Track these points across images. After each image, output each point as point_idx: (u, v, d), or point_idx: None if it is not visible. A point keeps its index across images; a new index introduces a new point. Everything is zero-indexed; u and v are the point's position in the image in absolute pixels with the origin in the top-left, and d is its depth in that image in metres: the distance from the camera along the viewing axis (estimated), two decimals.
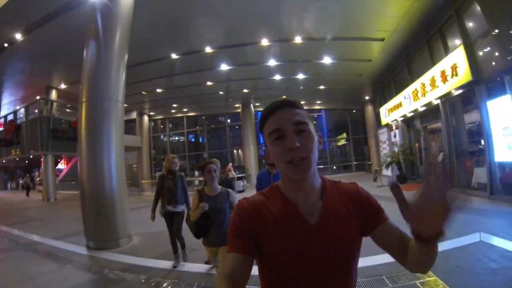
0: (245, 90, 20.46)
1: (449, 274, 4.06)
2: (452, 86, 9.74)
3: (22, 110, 24.68)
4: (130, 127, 27.47)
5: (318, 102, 25.88)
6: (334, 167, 27.22)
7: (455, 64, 9.41)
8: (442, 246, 5.09)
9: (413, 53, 13.52)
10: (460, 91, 9.85)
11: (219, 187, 3.78)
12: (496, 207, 7.74)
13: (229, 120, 30.77)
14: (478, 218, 6.65)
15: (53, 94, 21.42)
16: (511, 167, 8.31)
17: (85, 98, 7.01)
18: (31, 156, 25.77)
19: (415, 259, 1.00)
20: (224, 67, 15.71)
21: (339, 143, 30.29)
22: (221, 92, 20.99)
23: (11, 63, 15.75)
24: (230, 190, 3.84)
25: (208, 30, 11.77)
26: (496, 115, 8.36)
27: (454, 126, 11.04)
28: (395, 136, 16.73)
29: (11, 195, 27.27)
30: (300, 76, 17.61)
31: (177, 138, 33.03)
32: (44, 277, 5.06)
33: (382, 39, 12.76)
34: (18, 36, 13.04)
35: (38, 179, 31.97)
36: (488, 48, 8.80)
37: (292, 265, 1.05)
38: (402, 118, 15.29)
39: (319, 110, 27.94)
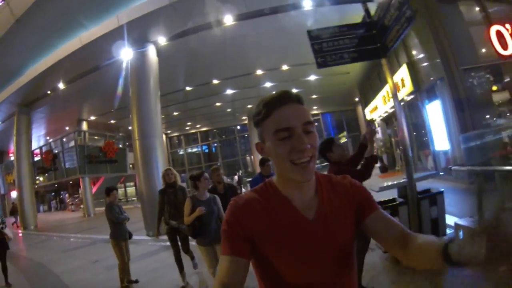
0: (249, 106, 23.75)
1: None
2: (404, 94, 12.74)
3: (53, 140, 28.52)
4: None
5: (315, 107, 28.94)
6: None
7: (402, 78, 12.44)
8: None
9: (379, 67, 16.52)
10: (411, 97, 12.86)
11: (207, 193, 4.31)
12: (435, 185, 10.61)
13: (238, 127, 34.01)
14: None
15: (84, 125, 25.14)
16: (445, 154, 11.23)
17: (137, 137, 10.36)
18: (66, 180, 29.28)
19: (420, 260, 0.95)
20: (229, 91, 19.10)
21: (341, 141, 33.03)
22: (228, 110, 24.40)
23: (49, 105, 19.32)
24: (216, 195, 4.36)
25: (214, 67, 15.08)
26: (433, 115, 11.35)
27: (414, 124, 14.02)
28: (378, 133, 19.69)
29: (55, 215, 30.34)
30: (294, 90, 20.59)
31: (191, 150, 36.54)
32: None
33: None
34: (61, 86, 16.27)
35: (68, 200, 35.64)
36: (425, 64, 11.75)
37: (291, 263, 1.01)
38: (380, 118, 18.25)
39: (316, 115, 30.88)
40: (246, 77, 16.57)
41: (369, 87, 20.08)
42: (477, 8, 10.73)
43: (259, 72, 16.24)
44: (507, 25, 10.16)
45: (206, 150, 36.54)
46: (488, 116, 9.96)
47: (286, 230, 1.02)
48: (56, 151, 28.15)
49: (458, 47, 9.85)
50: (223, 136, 35.61)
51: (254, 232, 1.02)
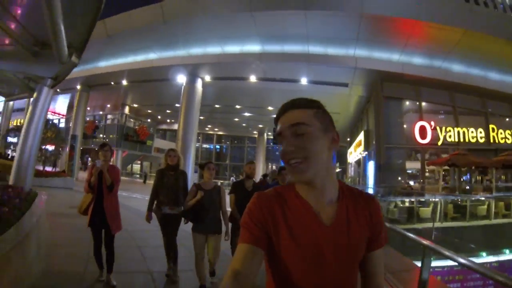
0: (260, 125, 29.92)
1: None
2: (361, 150, 18.48)
3: (96, 114, 34.86)
4: (173, 134, 37.31)
5: None
6: None
7: (360, 140, 18.21)
8: None
9: (357, 123, 22.31)
10: (365, 153, 18.56)
11: (214, 183, 4.32)
12: None
13: (249, 138, 40.16)
14: None
15: (126, 109, 31.34)
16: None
17: (181, 138, 16.34)
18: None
19: None
20: (246, 114, 25.21)
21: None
22: (243, 124, 30.55)
23: (108, 91, 25.32)
24: (221, 187, 4.40)
25: (239, 99, 21.18)
26: (369, 170, 16.99)
27: (363, 171, 19.71)
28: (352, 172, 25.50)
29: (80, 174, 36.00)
30: None
31: (206, 147, 43.23)
32: None
33: (338, 113, 21.59)
34: (124, 82, 22.22)
35: (90, 163, 41.40)
36: (371, 136, 17.39)
37: (300, 265, 1.03)
38: (355, 160, 23.97)
39: None
40: (261, 108, 22.60)
41: (353, 134, 25.80)
42: (413, 106, 16.41)
43: (270, 108, 22.27)
44: (432, 122, 15.75)
45: (218, 150, 43.11)
46: (400, 179, 15.65)
47: (301, 232, 1.04)
48: (99, 123, 34.53)
49: (388, 131, 15.54)
50: (235, 142, 41.89)
51: (271, 227, 1.05)
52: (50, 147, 21.75)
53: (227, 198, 4.56)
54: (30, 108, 6.10)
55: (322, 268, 1.03)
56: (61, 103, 32.71)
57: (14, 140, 24.51)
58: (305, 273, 1.04)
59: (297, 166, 1.02)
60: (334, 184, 1.12)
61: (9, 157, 21.37)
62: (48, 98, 6.12)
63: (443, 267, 11.01)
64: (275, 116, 1.13)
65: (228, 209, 4.51)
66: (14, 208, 4.12)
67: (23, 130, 6.12)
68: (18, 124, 29.03)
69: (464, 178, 16.17)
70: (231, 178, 32.38)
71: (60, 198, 12.72)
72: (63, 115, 36.94)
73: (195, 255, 4.19)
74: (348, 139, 31.58)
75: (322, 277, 1.03)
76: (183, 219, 4.45)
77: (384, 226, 1.17)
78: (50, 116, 38.60)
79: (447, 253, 2.58)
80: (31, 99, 6.39)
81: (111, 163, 4.47)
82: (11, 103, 32.72)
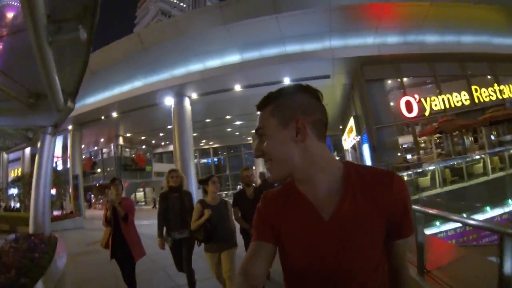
0: (252, 131, 30.12)
1: None
2: (353, 136, 18.90)
3: (93, 150, 35.03)
4: (169, 156, 37.54)
5: None
6: None
7: (351, 125, 18.63)
8: None
9: (346, 110, 22.79)
10: (358, 137, 18.98)
11: (218, 198, 4.11)
12: None
13: (244, 145, 40.70)
14: None
15: (120, 140, 31.54)
16: None
17: (179, 159, 16.66)
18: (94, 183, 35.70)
19: None
20: (237, 122, 25.62)
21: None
22: (237, 133, 30.96)
23: (98, 125, 25.28)
24: (227, 201, 4.19)
25: (227, 109, 21.60)
26: (365, 152, 17.42)
27: (359, 155, 20.11)
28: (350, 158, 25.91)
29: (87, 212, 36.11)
30: None
31: (204, 161, 43.58)
32: None
33: (326, 104, 21.81)
34: (114, 115, 22.33)
35: (93, 200, 41.66)
36: (361, 120, 17.78)
37: (302, 259, 1.02)
38: (350, 145, 24.42)
39: None
40: (251, 115, 22.94)
41: (344, 121, 26.23)
42: (396, 83, 16.83)
43: (259, 113, 22.56)
44: (416, 95, 16.14)
45: (216, 162, 43.52)
46: (399, 154, 16.04)
47: (299, 227, 1.02)
48: (95, 159, 34.72)
49: (376, 112, 15.92)
50: (232, 151, 42.31)
51: (275, 222, 1.07)
52: (53, 191, 21.92)
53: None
54: (37, 158, 6.42)
55: (324, 261, 0.99)
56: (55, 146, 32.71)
57: (15, 191, 24.67)
58: (308, 266, 1.01)
59: (268, 167, 1.05)
60: (332, 173, 1.04)
61: (14, 208, 21.68)
62: (52, 145, 6.44)
63: (455, 228, 11.45)
64: None
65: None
66: (43, 253, 4.47)
67: (33, 180, 6.42)
68: (18, 174, 29.12)
69: (460, 142, 16.57)
70: (238, 186, 32.57)
71: (74, 238, 13.07)
72: (58, 157, 37.03)
73: (213, 275, 4.11)
74: (341, 127, 32.16)
75: (326, 269, 0.99)
76: (196, 241, 4.14)
77: (410, 211, 1.04)
78: None
79: (433, 212, 2.94)
80: (29, 148, 6.66)
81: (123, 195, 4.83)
82: (6, 155, 32.99)
